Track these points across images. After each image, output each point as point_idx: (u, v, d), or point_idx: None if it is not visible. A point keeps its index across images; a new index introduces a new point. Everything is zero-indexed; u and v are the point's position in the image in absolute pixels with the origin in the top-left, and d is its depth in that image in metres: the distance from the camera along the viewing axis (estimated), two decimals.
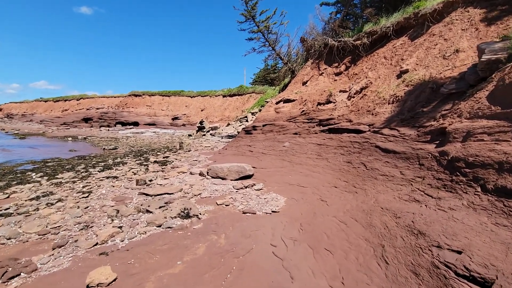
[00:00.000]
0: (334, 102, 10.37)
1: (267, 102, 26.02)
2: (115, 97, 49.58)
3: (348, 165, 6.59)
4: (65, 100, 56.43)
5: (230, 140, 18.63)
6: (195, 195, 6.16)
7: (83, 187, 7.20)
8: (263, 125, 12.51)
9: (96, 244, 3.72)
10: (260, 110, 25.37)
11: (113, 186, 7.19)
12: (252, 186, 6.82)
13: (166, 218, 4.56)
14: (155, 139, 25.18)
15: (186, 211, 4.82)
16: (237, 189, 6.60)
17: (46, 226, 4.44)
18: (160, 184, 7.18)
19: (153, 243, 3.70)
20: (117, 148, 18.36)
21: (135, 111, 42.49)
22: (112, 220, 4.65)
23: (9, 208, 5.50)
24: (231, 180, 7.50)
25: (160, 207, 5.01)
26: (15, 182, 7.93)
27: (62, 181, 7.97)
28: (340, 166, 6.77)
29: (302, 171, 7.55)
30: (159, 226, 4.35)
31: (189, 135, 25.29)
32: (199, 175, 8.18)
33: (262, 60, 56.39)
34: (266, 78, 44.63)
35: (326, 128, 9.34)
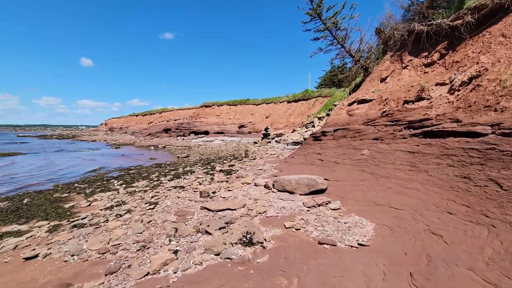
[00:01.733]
0: (428, 99, 8.25)
1: (336, 105, 24.01)
2: (189, 108, 54.43)
3: (465, 181, 4.75)
4: (150, 114, 64.96)
5: (296, 147, 17.53)
6: (259, 213, 5.33)
7: (152, 197, 7.24)
8: (334, 130, 11.05)
9: (147, 274, 3.21)
10: (328, 115, 23.53)
11: (179, 198, 7.01)
12: (327, 204, 5.62)
13: (225, 244, 3.83)
14: (223, 147, 25.99)
15: (249, 235, 4.00)
16: (309, 207, 5.51)
17: (108, 243, 4.25)
18: (223, 197, 6.65)
19: (207, 282, 2.96)
20: (189, 156, 19.41)
21: (205, 120, 45.57)
22: (170, 240, 4.18)
23: (85, 218, 5.73)
24: (300, 194, 6.45)
25: (220, 228, 4.35)
26: (99, 189, 8.64)
27: (136, 189, 8.30)
28: (451, 183, 4.96)
29: (391, 186, 5.95)
30: (217, 254, 3.64)
31: (255, 143, 25.23)
32: (264, 187, 7.39)
33: (328, 62, 53.67)
34: (333, 80, 42.04)
35: (419, 131, 7.40)
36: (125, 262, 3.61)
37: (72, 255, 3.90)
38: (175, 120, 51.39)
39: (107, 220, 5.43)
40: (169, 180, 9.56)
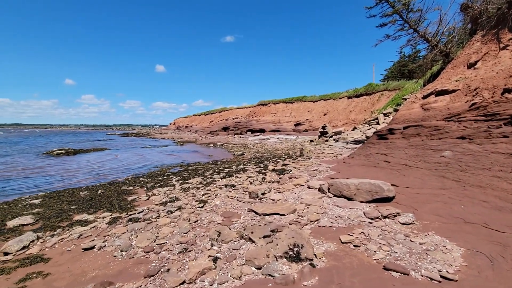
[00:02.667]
0: None
1: (406, 99, 21.11)
2: (246, 107, 55.79)
3: None
4: (211, 113, 68.98)
5: (357, 146, 15.95)
6: (311, 221, 4.72)
7: (203, 195, 7.28)
8: (404, 128, 9.49)
9: (183, 282, 2.99)
10: (396, 110, 20.89)
11: (228, 197, 6.87)
12: (395, 216, 4.65)
13: (268, 256, 3.38)
14: (278, 145, 25.62)
15: (296, 249, 3.47)
16: (371, 219, 4.64)
17: (154, 241, 4.25)
18: (273, 200, 6.21)
19: None
20: (244, 154, 19.63)
21: (262, 119, 45.95)
22: (212, 245, 3.94)
23: (141, 212, 6.01)
24: (361, 202, 5.56)
25: (264, 237, 3.91)
26: (159, 184, 9.19)
27: (190, 186, 8.53)
28: None
29: (486, 199, 4.61)
30: (259, 268, 3.21)
31: (311, 141, 24.11)
32: (318, 191, 6.68)
33: (396, 51, 48.05)
34: (402, 71, 37.47)
35: None
36: (165, 264, 3.49)
37: (121, 251, 4.00)
38: (233, 118, 53.30)
39: (158, 216, 5.57)
40: (221, 178, 9.61)
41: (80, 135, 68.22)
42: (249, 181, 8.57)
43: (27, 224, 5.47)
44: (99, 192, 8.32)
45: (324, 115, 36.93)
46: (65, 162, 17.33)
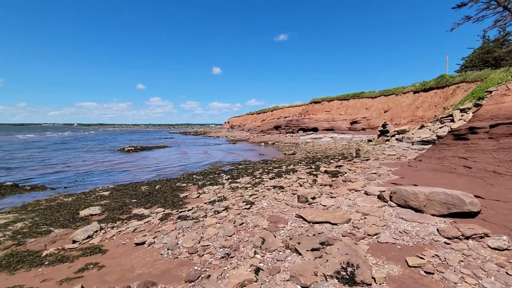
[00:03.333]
0: None
1: (492, 91, 17.69)
2: (298, 106, 54.62)
3: None
4: (263, 112, 69.62)
5: (426, 147, 13.95)
6: (368, 235, 4.09)
7: (251, 195, 7.12)
8: (492, 126, 7.77)
9: None
10: (477, 105, 17.70)
11: (276, 199, 6.56)
12: (482, 238, 3.70)
13: (317, 274, 2.96)
14: (332, 144, 24.28)
15: (350, 269, 2.97)
16: (448, 239, 3.78)
17: (199, 242, 4.21)
18: (324, 206, 5.67)
19: None
20: (295, 154, 19.09)
21: (314, 117, 44.34)
22: (255, 252, 3.69)
23: (190, 210, 6.14)
24: (433, 215, 4.65)
25: (312, 249, 3.49)
26: (209, 182, 9.42)
27: (239, 186, 8.50)
28: None
29: None
30: None
31: (369, 141, 22.14)
32: (378, 198, 5.88)
33: (478, 36, 40.79)
34: (485, 59, 31.74)
35: None
36: (207, 269, 3.36)
37: (167, 249, 4.05)
38: (285, 117, 52.75)
39: (205, 215, 5.59)
40: (270, 179, 9.36)
41: (148, 133, 76.45)
42: (299, 183, 8.12)
43: (95, 215, 6.09)
44: (157, 187, 8.91)
45: (385, 112, 33.65)
46: (133, 158, 19.40)
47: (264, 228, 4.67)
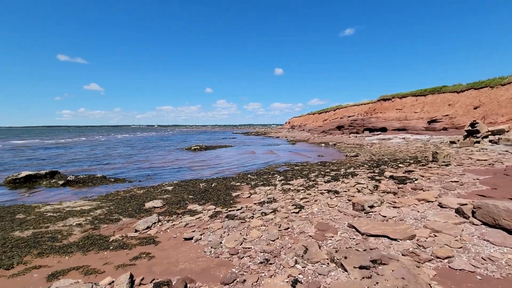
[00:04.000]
0: None
1: None
2: (364, 104, 50.51)
3: None
4: (325, 112, 66.84)
5: None
6: (437, 258, 3.36)
7: (301, 199, 6.80)
8: None
9: None
10: None
11: (328, 205, 6.10)
12: None
13: None
14: (403, 146, 21.61)
15: None
16: None
17: (241, 244, 4.17)
18: (383, 216, 4.98)
19: None
20: (357, 156, 17.69)
21: (383, 116, 40.26)
22: (295, 262, 3.44)
23: (239, 209, 6.20)
24: None
25: (361, 267, 3.04)
26: (262, 183, 9.40)
27: (291, 188, 8.24)
28: None
29: None
30: None
31: (451, 143, 18.84)
32: (456, 212, 4.86)
33: None
34: None
35: None
36: (244, 274, 3.27)
37: (211, 247, 4.13)
38: (349, 117, 49.43)
39: (252, 216, 5.55)
40: (325, 182, 8.80)
41: (214, 133, 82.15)
42: (357, 189, 7.39)
43: (157, 207, 6.73)
44: (213, 185, 9.37)
45: (475, 108, 28.16)
46: (198, 156, 21.02)
47: (310, 236, 4.34)
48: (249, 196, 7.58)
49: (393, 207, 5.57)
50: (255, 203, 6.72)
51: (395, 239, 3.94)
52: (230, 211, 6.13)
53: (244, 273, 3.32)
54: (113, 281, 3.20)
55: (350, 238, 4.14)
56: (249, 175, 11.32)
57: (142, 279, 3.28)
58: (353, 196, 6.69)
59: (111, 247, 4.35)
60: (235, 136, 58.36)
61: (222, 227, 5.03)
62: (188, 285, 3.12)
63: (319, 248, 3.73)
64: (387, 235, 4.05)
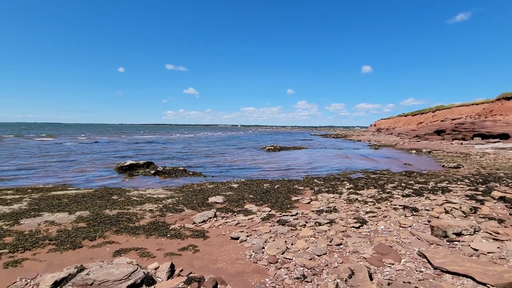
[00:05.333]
0: None
1: None
2: (476, 104, 40.99)
3: None
4: (421, 113, 57.53)
5: None
6: None
7: (367, 212, 5.96)
8: None
9: None
10: None
11: (399, 223, 5.13)
12: None
13: None
14: None
15: None
16: None
17: (283, 253, 3.92)
18: (474, 250, 3.82)
19: None
20: (459, 167, 14.51)
21: (504, 119, 31.65)
22: (336, 286, 2.98)
23: (293, 215, 5.89)
24: None
25: None
26: (327, 189, 8.74)
27: (359, 198, 7.35)
28: None
29: None
30: None
31: None
32: None
33: None
34: None
35: None
36: (275, 287, 3.04)
37: (252, 251, 4.04)
38: (453, 119, 40.98)
39: (305, 225, 5.17)
40: (403, 196, 7.48)
41: (291, 134, 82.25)
42: (445, 208, 5.98)
43: (218, 203, 7.11)
44: (276, 186, 9.29)
45: None
46: (270, 156, 21.38)
47: (365, 258, 3.71)
48: (308, 202, 7.15)
49: (494, 239, 4.22)
50: (312, 211, 6.28)
51: (484, 284, 2.94)
52: (283, 215, 5.90)
53: (277, 286, 3.09)
54: (158, 267, 3.50)
55: (416, 270, 3.33)
56: (316, 180, 10.74)
57: (181, 270, 3.47)
58: (437, 218, 5.44)
59: (168, 235, 4.80)
60: (312, 138, 56.87)
61: (270, 231, 4.88)
62: (218, 286, 3.12)
63: (369, 275, 3.13)
64: (472, 276, 3.07)
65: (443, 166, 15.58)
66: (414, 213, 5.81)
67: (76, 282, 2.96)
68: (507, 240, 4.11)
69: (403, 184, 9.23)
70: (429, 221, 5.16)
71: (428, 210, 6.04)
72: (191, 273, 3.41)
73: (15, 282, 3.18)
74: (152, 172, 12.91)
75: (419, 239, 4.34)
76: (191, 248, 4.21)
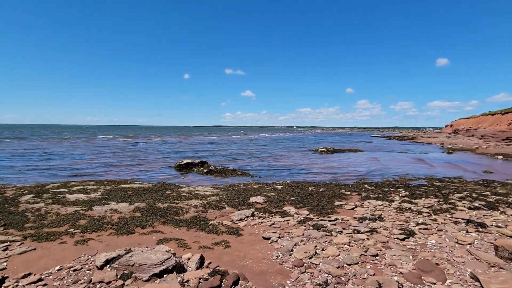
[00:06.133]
0: None
1: None
2: None
3: None
4: None
5: None
6: None
7: (418, 224, 5.32)
8: None
9: None
10: None
11: (456, 239, 4.46)
12: None
13: None
14: None
15: None
16: None
17: (310, 258, 3.83)
18: None
19: None
20: None
21: None
22: None
23: (332, 221, 5.65)
24: None
25: None
26: (376, 195, 8.06)
27: (412, 207, 6.60)
28: None
29: None
30: None
31: None
32: None
33: None
34: None
35: None
36: None
37: (280, 252, 4.06)
38: None
39: (341, 231, 4.92)
40: (470, 208, 6.41)
41: (349, 136, 77.60)
42: None
43: (258, 203, 7.27)
44: (320, 190, 8.99)
45: None
46: (322, 159, 20.67)
47: (401, 273, 3.37)
48: (352, 208, 6.74)
49: None
50: (354, 217, 5.90)
51: None
52: (321, 220, 5.71)
53: None
54: (190, 257, 3.83)
55: None
56: (366, 185, 10.00)
57: (210, 263, 3.72)
58: (511, 237, 4.55)
59: (206, 229, 5.16)
60: (372, 140, 52.67)
61: (303, 234, 4.81)
62: (240, 282, 3.25)
63: None
64: None
65: None
66: (480, 229, 4.95)
67: (121, 262, 3.47)
68: None
69: (474, 195, 7.89)
70: (493, 240, 4.33)
71: (500, 227, 5.07)
72: (218, 266, 3.63)
73: (80, 257, 3.90)
74: (205, 170, 13.89)
75: (477, 260, 3.70)
76: (223, 243, 4.45)
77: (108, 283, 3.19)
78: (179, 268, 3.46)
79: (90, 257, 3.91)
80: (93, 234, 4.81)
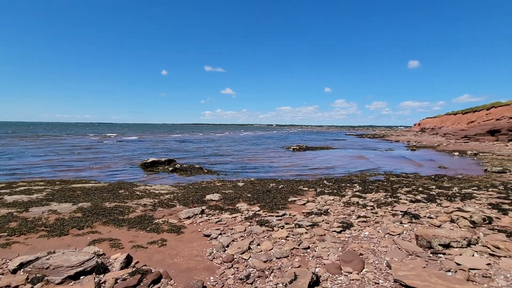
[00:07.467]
0: None
1: None
2: None
3: None
4: (473, 111, 51.47)
5: None
6: None
7: (359, 217, 5.54)
8: None
9: None
10: None
11: (389, 231, 4.69)
12: None
13: None
14: None
15: None
16: None
17: (242, 253, 3.83)
18: (457, 264, 3.32)
19: None
20: (505, 172, 12.81)
21: None
22: None
23: (279, 216, 5.71)
24: None
25: None
26: (330, 190, 8.30)
27: (359, 202, 6.85)
28: None
29: None
30: None
31: None
32: None
33: None
34: None
35: None
36: (214, 286, 3.00)
37: (214, 249, 4.02)
38: (511, 117, 35.95)
39: (283, 226, 5.00)
40: (411, 201, 6.78)
41: (324, 134, 79.66)
42: (451, 217, 5.31)
43: (213, 200, 7.19)
44: (280, 186, 9.10)
45: None
46: (292, 156, 21.00)
47: (324, 264, 3.47)
48: (304, 204, 6.88)
49: (490, 254, 3.62)
50: (303, 212, 6.03)
51: None
52: (269, 216, 5.76)
53: (217, 285, 3.04)
54: (117, 258, 3.69)
55: (373, 283, 3.01)
56: (325, 181, 10.29)
57: (137, 262, 3.62)
58: (438, 226, 4.87)
59: (148, 228, 5.01)
60: (345, 138, 54.46)
61: (244, 230, 4.82)
62: (162, 280, 3.17)
63: (313, 282, 2.91)
64: None
65: (485, 170, 13.85)
66: (414, 221, 5.24)
67: (36, 265, 3.26)
68: (504, 257, 3.49)
69: (420, 189, 8.38)
70: (426, 229, 4.61)
71: (431, 218, 5.41)
72: (145, 265, 3.53)
73: None
74: (171, 169, 13.57)
75: (399, 249, 3.91)
76: (159, 242, 4.34)
77: (16, 287, 2.98)
78: (100, 269, 3.32)
79: (7, 261, 3.64)
80: (21, 237, 4.49)
